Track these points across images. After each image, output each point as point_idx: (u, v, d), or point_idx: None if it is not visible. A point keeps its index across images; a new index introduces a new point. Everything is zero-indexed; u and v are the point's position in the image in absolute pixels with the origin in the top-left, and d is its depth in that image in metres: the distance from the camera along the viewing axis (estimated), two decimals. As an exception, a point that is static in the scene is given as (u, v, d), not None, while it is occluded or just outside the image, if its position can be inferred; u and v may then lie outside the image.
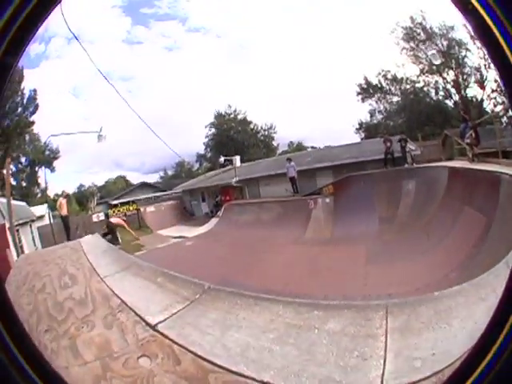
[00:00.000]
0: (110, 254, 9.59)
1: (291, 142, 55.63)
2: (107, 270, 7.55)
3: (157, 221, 33.55)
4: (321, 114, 56.92)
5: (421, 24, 37.20)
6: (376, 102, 43.68)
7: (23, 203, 28.85)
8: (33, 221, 26.66)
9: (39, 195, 39.91)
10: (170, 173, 60.49)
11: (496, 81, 31.44)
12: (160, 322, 4.68)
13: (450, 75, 37.33)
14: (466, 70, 36.16)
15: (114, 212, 33.63)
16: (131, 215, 34.17)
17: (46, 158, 39.55)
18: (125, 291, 5.98)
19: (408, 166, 24.12)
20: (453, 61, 36.44)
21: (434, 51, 36.88)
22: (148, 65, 66.87)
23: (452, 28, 35.40)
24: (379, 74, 42.31)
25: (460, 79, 36.61)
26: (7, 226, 15.24)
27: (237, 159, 37.27)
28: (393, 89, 42.65)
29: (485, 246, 10.33)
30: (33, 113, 35.74)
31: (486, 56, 30.89)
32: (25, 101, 35.17)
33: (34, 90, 35.99)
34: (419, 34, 37.70)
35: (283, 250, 18.08)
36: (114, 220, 26.20)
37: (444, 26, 35.77)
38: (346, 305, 4.78)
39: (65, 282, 6.94)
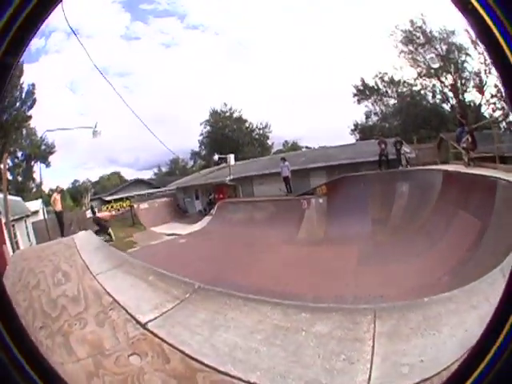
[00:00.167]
0: (102, 251, 9.60)
1: (286, 141, 55.40)
2: (99, 267, 7.56)
3: (150, 218, 33.30)
4: (316, 115, 56.55)
5: (420, 27, 37.05)
6: (372, 103, 43.61)
7: (19, 198, 28.65)
8: (28, 216, 26.56)
9: (34, 190, 39.76)
10: (164, 170, 60.18)
11: (496, 86, 31.45)
12: (150, 321, 4.73)
13: (449, 79, 37.17)
14: (465, 74, 36.06)
15: (107, 208, 33.57)
16: (125, 212, 34.17)
17: (42, 152, 39.37)
18: (116, 289, 6.02)
19: (402, 168, 24.16)
20: (452, 65, 36.31)
21: (433, 55, 36.81)
22: (145, 61, 66.45)
23: (453, 32, 35.17)
24: (376, 75, 42.22)
25: (458, 84, 36.57)
26: (3, 221, 15.24)
27: (231, 157, 37.11)
28: (389, 91, 42.54)
29: (479, 250, 10.37)
30: (30, 107, 35.58)
31: (487, 61, 30.93)
32: (23, 95, 35.07)
33: (33, 85, 35.87)
34: (418, 38, 37.50)
35: (275, 249, 18.08)
36: (100, 215, 26.30)
37: (444, 30, 35.57)
38: (334, 308, 4.83)
39: (58, 278, 6.96)
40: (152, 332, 4.44)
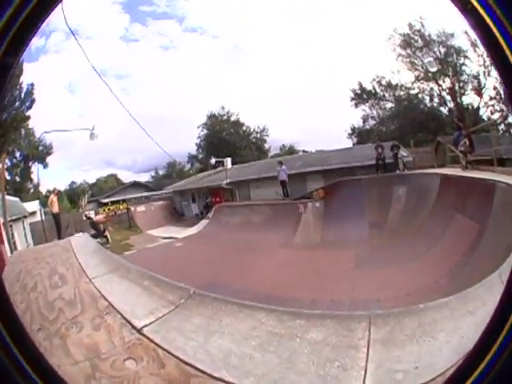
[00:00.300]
0: (98, 254, 9.59)
1: (283, 145, 55.58)
2: (96, 271, 7.57)
3: (147, 221, 33.40)
4: (314, 118, 56.76)
5: (419, 31, 37.15)
6: (369, 107, 43.68)
7: (17, 199, 28.65)
8: (25, 217, 26.53)
9: (32, 191, 39.72)
10: (161, 173, 60.28)
11: (495, 88, 31.55)
12: (146, 326, 4.74)
13: (446, 82, 37.28)
14: (464, 77, 36.15)
15: (104, 210, 33.56)
16: (121, 214, 34.21)
17: (40, 153, 39.37)
18: (112, 293, 6.03)
19: (399, 172, 24.16)
20: (450, 68, 36.38)
21: (431, 58, 36.89)
22: (143, 63, 66.62)
23: (452, 35, 35.30)
24: (374, 79, 42.32)
25: (456, 87, 36.61)
26: (1, 221, 15.24)
27: (228, 161, 37.12)
28: (387, 95, 42.66)
29: (476, 254, 10.37)
30: (29, 107, 35.57)
31: (486, 63, 31.03)
32: (22, 95, 35.05)
33: (32, 85, 35.85)
34: (417, 41, 37.66)
35: (272, 253, 18.08)
36: (96, 218, 26.38)
37: (443, 32, 35.69)
38: (329, 314, 4.84)
39: (55, 281, 6.97)
40: (147, 337, 4.45)
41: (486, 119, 32.52)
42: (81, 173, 79.37)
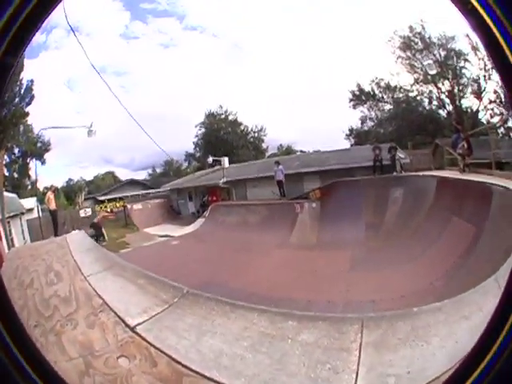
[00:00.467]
0: (94, 252, 9.57)
1: (281, 144, 55.51)
2: (91, 268, 7.56)
3: (143, 219, 33.40)
4: (312, 119, 56.76)
5: (419, 33, 37.08)
6: (368, 109, 43.63)
7: (14, 195, 28.64)
8: (23, 213, 26.53)
9: (30, 187, 39.66)
10: (158, 171, 60.22)
11: (495, 92, 31.53)
12: (139, 324, 4.75)
13: (446, 85, 37.19)
14: (463, 80, 36.08)
15: (101, 208, 33.50)
16: (118, 212, 34.18)
17: (38, 150, 39.30)
18: (107, 291, 6.03)
19: (396, 174, 24.17)
20: (449, 71, 36.31)
21: (431, 61, 36.79)
22: (143, 61, 66.59)
23: (452, 38, 35.18)
24: (372, 81, 42.24)
25: (455, 90, 36.55)
26: (-1, 217, 15.28)
27: (225, 160, 37.11)
28: (385, 97, 42.59)
29: (473, 257, 10.37)
30: (28, 103, 35.47)
31: (487, 67, 31.00)
32: (22, 91, 34.96)
33: (32, 81, 35.77)
34: (417, 44, 37.55)
35: (268, 253, 18.08)
36: (96, 220, 26.45)
37: (444, 35, 35.59)
38: (321, 316, 4.82)
39: (51, 278, 6.97)
40: (140, 335, 4.47)
41: (484, 122, 32.48)
42: (78, 170, 79.38)
